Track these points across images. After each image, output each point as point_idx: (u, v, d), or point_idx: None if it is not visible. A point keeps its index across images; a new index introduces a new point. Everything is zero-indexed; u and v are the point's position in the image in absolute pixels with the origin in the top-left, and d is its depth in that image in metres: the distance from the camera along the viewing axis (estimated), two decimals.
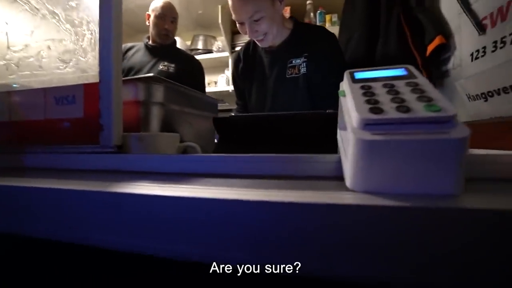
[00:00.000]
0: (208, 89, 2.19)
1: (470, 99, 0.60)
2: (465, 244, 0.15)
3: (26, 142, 0.43)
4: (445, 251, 0.15)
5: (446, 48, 0.73)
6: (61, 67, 0.40)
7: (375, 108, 0.20)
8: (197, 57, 2.14)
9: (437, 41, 0.73)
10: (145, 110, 0.47)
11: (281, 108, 0.86)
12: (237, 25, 0.84)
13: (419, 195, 0.18)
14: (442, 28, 0.74)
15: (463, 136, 0.17)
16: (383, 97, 0.21)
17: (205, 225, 0.20)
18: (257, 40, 0.86)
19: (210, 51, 2.14)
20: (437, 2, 0.80)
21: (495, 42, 0.52)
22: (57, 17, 0.41)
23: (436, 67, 0.77)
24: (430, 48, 0.74)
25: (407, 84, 0.23)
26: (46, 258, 0.34)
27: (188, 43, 2.24)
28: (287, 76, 0.85)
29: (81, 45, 0.39)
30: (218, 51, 2.11)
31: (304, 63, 0.83)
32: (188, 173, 0.32)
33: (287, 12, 1.75)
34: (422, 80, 0.23)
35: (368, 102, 0.21)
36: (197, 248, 0.21)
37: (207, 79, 2.30)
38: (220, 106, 2.27)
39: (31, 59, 0.42)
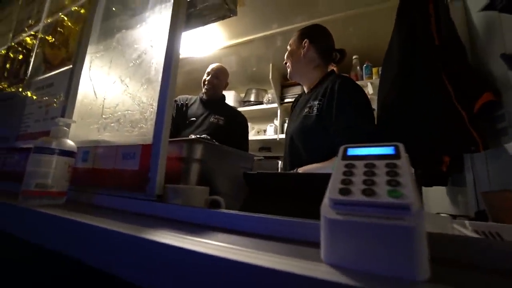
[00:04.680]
0: (257, 136, 2.34)
1: None
2: None
3: (98, 184, 0.56)
4: None
5: (497, 105, 0.67)
6: (129, 131, 0.54)
7: (345, 189, 0.23)
8: (249, 108, 2.39)
9: (485, 97, 0.68)
10: (186, 165, 0.56)
11: (295, 142, 0.94)
12: None
13: (381, 276, 0.19)
14: (490, 84, 0.69)
15: (415, 224, 0.19)
16: (358, 178, 0.24)
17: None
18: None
19: (261, 103, 2.34)
20: (483, 58, 0.76)
21: None
22: (133, 95, 0.57)
23: (489, 124, 0.70)
24: (478, 105, 0.69)
25: (386, 165, 0.25)
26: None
27: (242, 95, 2.51)
28: (303, 114, 0.94)
29: (145, 116, 0.52)
30: (268, 102, 2.29)
31: (318, 105, 0.89)
32: (206, 225, 0.38)
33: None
34: (402, 162, 0.25)
35: (343, 182, 0.24)
36: None
37: (257, 127, 2.49)
38: (266, 154, 2.38)
39: (113, 124, 0.57)
